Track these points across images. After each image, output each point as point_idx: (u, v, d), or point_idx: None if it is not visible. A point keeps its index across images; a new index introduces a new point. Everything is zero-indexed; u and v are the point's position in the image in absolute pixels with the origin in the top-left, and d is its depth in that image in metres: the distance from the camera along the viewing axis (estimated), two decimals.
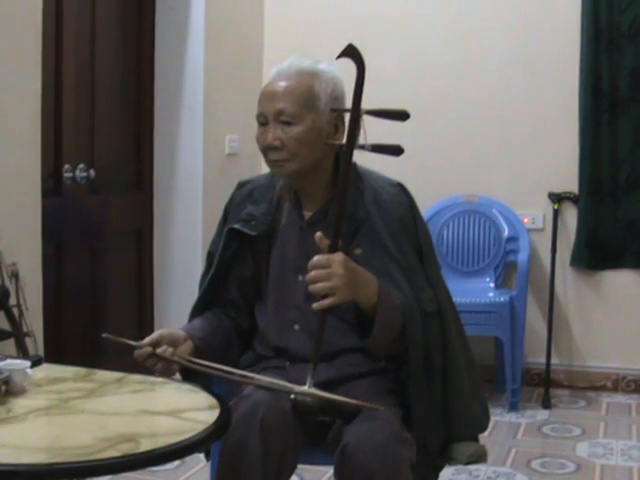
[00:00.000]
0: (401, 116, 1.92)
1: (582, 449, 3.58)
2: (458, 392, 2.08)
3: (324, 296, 1.88)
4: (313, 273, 1.88)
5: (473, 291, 4.21)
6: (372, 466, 1.81)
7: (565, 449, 3.59)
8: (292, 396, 1.88)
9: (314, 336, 1.94)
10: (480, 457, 2.10)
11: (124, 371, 1.94)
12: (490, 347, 4.34)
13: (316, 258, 1.88)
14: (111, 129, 3.89)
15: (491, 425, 3.77)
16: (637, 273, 4.39)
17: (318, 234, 1.91)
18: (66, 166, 3.50)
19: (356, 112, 1.89)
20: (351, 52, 1.89)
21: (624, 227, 4.34)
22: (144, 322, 4.14)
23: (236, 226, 2.14)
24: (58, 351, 3.36)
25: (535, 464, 3.40)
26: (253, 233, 2.12)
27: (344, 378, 2.04)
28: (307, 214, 2.13)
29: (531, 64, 4.44)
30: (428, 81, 4.58)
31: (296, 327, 2.10)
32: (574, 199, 4.40)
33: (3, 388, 1.72)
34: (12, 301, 2.83)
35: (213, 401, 1.74)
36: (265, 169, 2.21)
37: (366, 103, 1.90)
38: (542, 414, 4.07)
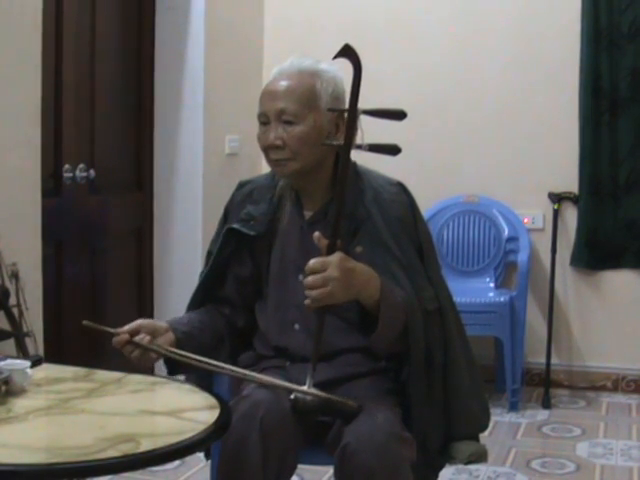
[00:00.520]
0: (398, 115, 1.92)
1: (582, 449, 3.58)
2: (458, 391, 2.08)
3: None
4: (309, 279, 1.88)
5: (473, 291, 4.21)
6: (372, 466, 1.81)
7: (565, 449, 3.59)
8: (292, 396, 1.88)
9: (313, 336, 1.94)
10: (481, 456, 2.10)
11: (124, 371, 1.94)
12: (490, 347, 4.34)
13: (312, 262, 1.89)
14: (111, 129, 3.89)
15: (491, 425, 3.77)
16: (637, 273, 4.39)
17: (316, 234, 1.91)
18: (66, 166, 3.50)
19: (353, 112, 1.89)
20: (348, 52, 1.89)
21: (624, 227, 4.35)
22: None
23: (235, 226, 2.14)
24: (58, 351, 3.36)
25: (535, 464, 3.40)
26: (252, 233, 2.13)
27: (344, 378, 2.04)
28: (307, 214, 2.13)
29: (531, 64, 4.44)
30: (428, 81, 4.57)
31: (296, 327, 2.10)
32: (574, 199, 4.40)
33: (3, 388, 1.72)
34: (12, 301, 2.83)
35: (213, 401, 1.74)
36: (265, 169, 2.21)
37: (365, 103, 1.90)
38: (542, 414, 4.07)
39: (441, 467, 2.12)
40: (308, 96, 2.04)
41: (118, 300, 3.95)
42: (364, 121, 1.93)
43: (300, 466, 2.00)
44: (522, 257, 4.26)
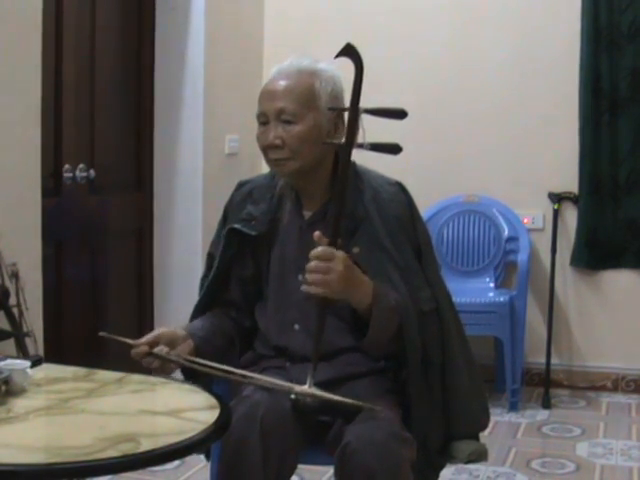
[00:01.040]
0: (399, 114, 1.92)
1: (582, 449, 3.58)
2: (458, 391, 2.08)
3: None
4: (313, 263, 1.88)
5: (473, 291, 4.21)
6: (372, 466, 1.81)
7: (565, 449, 3.59)
8: (292, 396, 1.88)
9: (313, 336, 1.94)
10: (480, 456, 2.10)
11: (124, 371, 1.93)
12: (490, 347, 4.34)
13: (321, 248, 1.89)
14: (111, 129, 3.88)
15: (491, 425, 3.77)
16: (637, 273, 4.39)
17: (317, 233, 1.92)
18: (66, 166, 3.50)
19: (354, 111, 1.89)
20: (349, 51, 1.90)
21: (624, 227, 4.35)
22: (144, 322, 4.13)
23: (236, 226, 2.14)
24: (58, 351, 3.36)
25: (535, 464, 3.40)
26: (253, 233, 2.13)
27: (344, 378, 2.04)
28: (307, 214, 2.13)
29: (531, 64, 4.44)
30: (428, 81, 4.58)
31: (296, 327, 2.10)
32: (574, 199, 4.40)
33: (3, 388, 1.72)
34: (12, 301, 2.83)
35: (213, 401, 1.74)
36: (265, 169, 2.21)
37: (365, 102, 1.90)
38: (542, 414, 4.07)
39: (441, 467, 2.12)
40: (307, 95, 2.04)
41: (118, 300, 3.95)
42: (366, 120, 1.93)
43: (300, 466, 2.00)
44: (522, 257, 4.26)
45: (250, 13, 4.70)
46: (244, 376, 1.95)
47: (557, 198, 4.41)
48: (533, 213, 4.47)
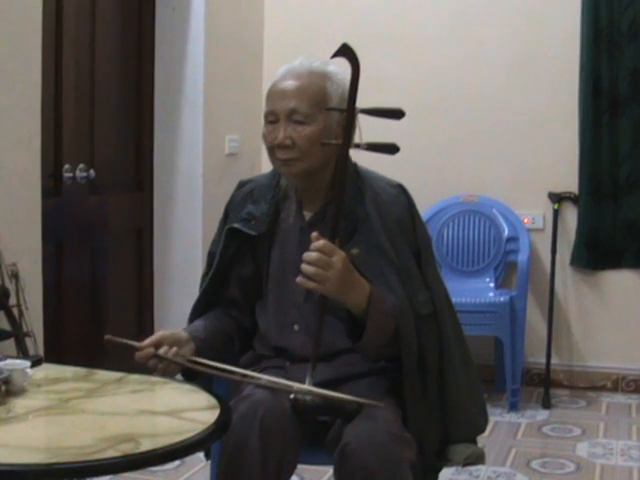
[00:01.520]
0: (396, 114, 1.92)
1: (582, 449, 3.58)
2: (454, 394, 2.08)
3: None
4: (314, 254, 1.88)
5: (473, 291, 4.21)
6: (372, 466, 1.81)
7: (565, 449, 3.59)
8: (292, 395, 1.88)
9: (313, 336, 1.94)
10: (477, 459, 2.10)
11: (124, 371, 1.94)
12: (490, 347, 4.34)
13: (322, 242, 1.88)
14: (111, 129, 3.89)
15: (491, 425, 3.78)
16: (637, 273, 4.39)
17: (314, 234, 1.91)
18: (66, 166, 3.50)
19: (351, 111, 1.89)
20: (346, 51, 1.89)
21: (624, 227, 4.34)
22: (144, 322, 4.14)
23: (236, 225, 2.14)
24: (58, 351, 3.36)
25: (535, 464, 3.40)
26: (253, 233, 2.12)
27: (343, 378, 2.04)
28: (307, 214, 2.13)
29: (531, 64, 4.44)
30: (428, 81, 4.57)
31: (296, 327, 2.10)
32: (574, 199, 4.40)
33: (3, 388, 1.72)
34: (12, 301, 2.83)
35: (213, 401, 1.74)
36: (265, 169, 2.21)
37: (364, 102, 1.90)
38: (542, 414, 4.07)
39: (440, 468, 2.12)
40: (319, 97, 2.04)
41: (118, 300, 3.95)
42: (363, 121, 1.93)
43: (300, 466, 2.00)
44: (522, 257, 4.26)
45: (250, 13, 4.70)
46: (245, 376, 1.95)
47: (557, 198, 4.41)
48: (533, 213, 4.47)
